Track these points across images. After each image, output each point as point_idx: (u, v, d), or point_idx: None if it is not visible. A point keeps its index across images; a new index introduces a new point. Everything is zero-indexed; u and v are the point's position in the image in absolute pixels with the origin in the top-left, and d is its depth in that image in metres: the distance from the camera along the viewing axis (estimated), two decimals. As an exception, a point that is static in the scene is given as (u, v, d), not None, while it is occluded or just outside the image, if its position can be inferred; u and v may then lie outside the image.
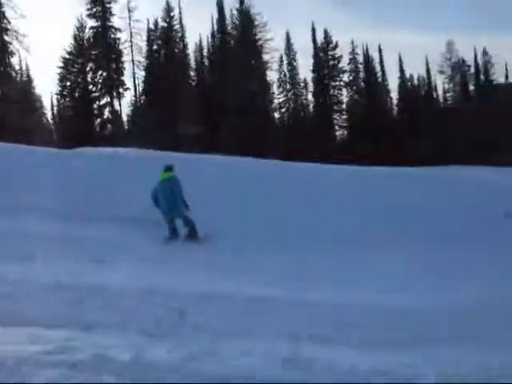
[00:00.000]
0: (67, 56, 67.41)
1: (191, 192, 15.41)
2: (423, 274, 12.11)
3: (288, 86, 76.23)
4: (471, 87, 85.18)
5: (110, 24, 67.91)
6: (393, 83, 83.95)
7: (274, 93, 74.97)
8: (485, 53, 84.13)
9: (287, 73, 76.31)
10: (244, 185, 20.01)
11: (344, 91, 77.20)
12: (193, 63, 75.00)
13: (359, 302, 9.26)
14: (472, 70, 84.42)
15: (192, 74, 74.04)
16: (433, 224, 19.06)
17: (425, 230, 18.14)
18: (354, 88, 77.24)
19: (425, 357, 6.24)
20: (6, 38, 60.41)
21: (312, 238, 15.81)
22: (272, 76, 75.07)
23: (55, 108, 74.69)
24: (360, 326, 7.67)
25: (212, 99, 65.46)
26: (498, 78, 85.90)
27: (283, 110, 76.87)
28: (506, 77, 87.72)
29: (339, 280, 11.18)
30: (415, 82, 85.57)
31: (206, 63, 75.78)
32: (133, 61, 68.09)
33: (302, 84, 77.30)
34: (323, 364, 5.59)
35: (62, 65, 67.35)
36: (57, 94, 70.47)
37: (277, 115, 77.03)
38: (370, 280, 11.16)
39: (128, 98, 71.62)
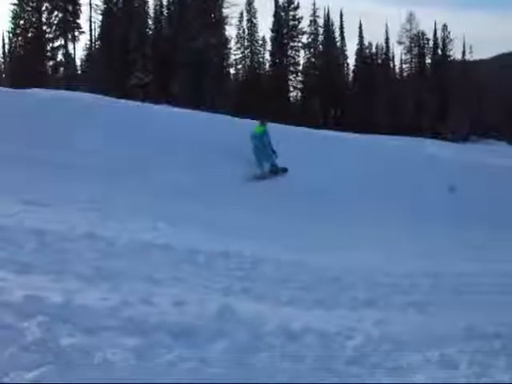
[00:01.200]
0: (22, -8, 64.89)
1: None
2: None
3: (246, 43, 75.63)
4: (428, 60, 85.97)
5: (69, -36, 65.56)
6: (351, 49, 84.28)
7: (231, 48, 74.28)
8: (444, 28, 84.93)
9: (246, 30, 75.64)
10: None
11: (302, 53, 77.01)
12: (152, 12, 73.51)
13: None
14: (430, 43, 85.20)
15: (150, 23, 72.55)
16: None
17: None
18: (312, 50, 77.07)
19: (360, 317, 6.48)
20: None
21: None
22: (231, 31, 74.49)
23: (6, 46, 72.60)
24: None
25: (167, 50, 64.47)
26: (455, 54, 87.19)
27: (239, 66, 76.35)
28: (463, 53, 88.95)
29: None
30: (373, 50, 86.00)
31: (165, 13, 74.30)
32: (90, 4, 66.19)
33: (261, 42, 76.76)
34: (252, 316, 5.71)
35: (15, 1, 64.90)
36: (9, 32, 68.17)
37: (232, 71, 76.55)
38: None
39: (83, 42, 69.87)
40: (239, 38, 75.10)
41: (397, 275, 9.25)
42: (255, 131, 18.26)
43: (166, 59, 63.04)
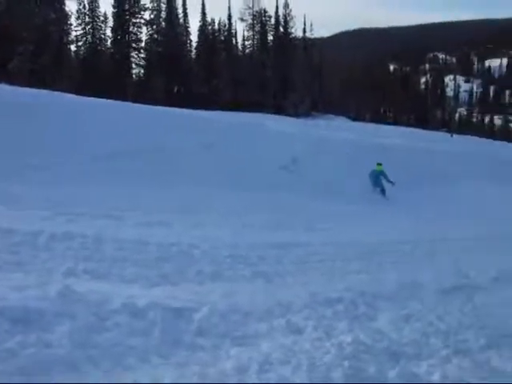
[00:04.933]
0: None
1: None
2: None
3: (87, 19, 73.29)
4: (270, 37, 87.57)
5: None
6: (194, 26, 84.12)
7: (71, 24, 71.66)
8: (286, 5, 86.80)
9: (87, 5, 73.35)
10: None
11: (144, 29, 75.72)
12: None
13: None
14: (272, 21, 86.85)
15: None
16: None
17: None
18: (155, 27, 76.11)
19: (206, 290, 6.53)
20: None
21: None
22: (71, 7, 71.87)
23: None
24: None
25: (3, 25, 61.12)
26: (297, 31, 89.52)
27: (80, 43, 73.92)
28: (304, 31, 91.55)
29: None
30: (216, 26, 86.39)
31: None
32: None
33: (102, 18, 74.66)
34: (95, 295, 5.63)
35: None
36: None
37: (73, 48, 74.02)
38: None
39: None
40: (80, 13, 72.61)
41: (243, 247, 9.42)
42: (375, 169, 23.71)
43: (2, 35, 59.81)
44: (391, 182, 23.07)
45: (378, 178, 23.51)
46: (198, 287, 6.91)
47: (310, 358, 5.03)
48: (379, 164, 23.89)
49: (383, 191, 23.43)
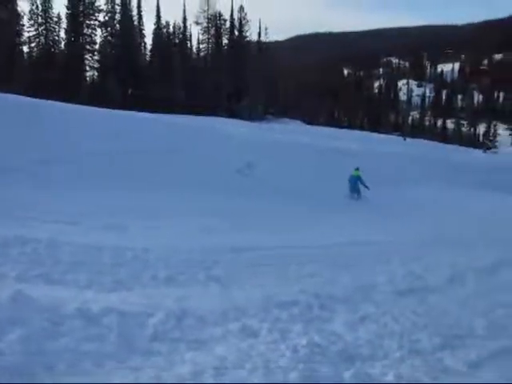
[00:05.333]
0: None
1: None
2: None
3: (40, 20, 72.08)
4: (225, 41, 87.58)
5: None
6: (149, 29, 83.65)
7: (24, 25, 70.43)
8: (241, 9, 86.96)
9: (40, 5, 72.13)
10: None
11: (98, 31, 74.81)
12: None
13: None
14: (227, 24, 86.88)
15: None
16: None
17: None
18: (109, 29, 75.35)
19: (161, 294, 6.50)
20: None
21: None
22: (23, 7, 70.55)
23: None
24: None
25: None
26: (252, 35, 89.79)
27: (33, 44, 72.71)
28: (259, 35, 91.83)
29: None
30: (171, 29, 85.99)
31: None
32: None
33: (55, 19, 73.46)
34: (49, 301, 5.56)
35: None
36: None
37: (26, 49, 72.82)
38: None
39: None
40: (32, 14, 71.38)
41: (198, 251, 9.40)
42: (353, 174, 24.26)
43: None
44: (367, 187, 23.79)
45: (356, 184, 24.10)
46: (152, 292, 6.88)
47: (265, 361, 5.07)
48: (356, 169, 24.48)
49: (359, 195, 24.06)
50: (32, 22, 71.00)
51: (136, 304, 6.02)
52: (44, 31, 71.88)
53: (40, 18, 71.59)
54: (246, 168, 21.69)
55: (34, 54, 72.55)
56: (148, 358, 4.91)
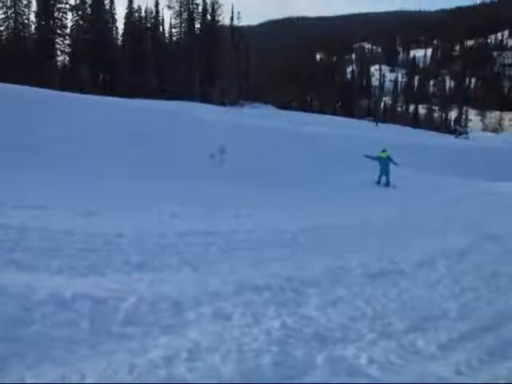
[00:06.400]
0: None
1: None
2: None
3: (9, 3, 70.85)
4: (197, 25, 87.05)
5: None
6: (120, 13, 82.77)
7: (-8, 9, 69.23)
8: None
9: (8, -13, 70.92)
10: None
11: (69, 15, 73.77)
12: None
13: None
14: (200, 8, 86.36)
15: None
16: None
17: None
18: (80, 13, 74.39)
19: (133, 279, 6.49)
20: None
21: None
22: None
23: None
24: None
25: None
26: (224, 19, 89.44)
27: (1, 28, 71.53)
28: (231, 19, 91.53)
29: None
30: (143, 14, 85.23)
31: None
32: None
33: (25, 2, 72.28)
34: (20, 287, 5.52)
35: None
36: None
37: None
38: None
39: None
40: (1, -3, 70.26)
41: (170, 236, 9.37)
42: (382, 156, 24.03)
43: None
44: (397, 164, 23.90)
45: (388, 165, 23.80)
46: (125, 277, 6.84)
47: (238, 345, 5.09)
48: (384, 151, 24.25)
49: (388, 180, 23.80)
50: (0, 4, 69.71)
51: (108, 289, 5.99)
52: (13, 14, 70.60)
53: (9, 0, 70.30)
54: (219, 153, 21.62)
55: (4, 37, 71.30)
56: (121, 343, 4.90)
